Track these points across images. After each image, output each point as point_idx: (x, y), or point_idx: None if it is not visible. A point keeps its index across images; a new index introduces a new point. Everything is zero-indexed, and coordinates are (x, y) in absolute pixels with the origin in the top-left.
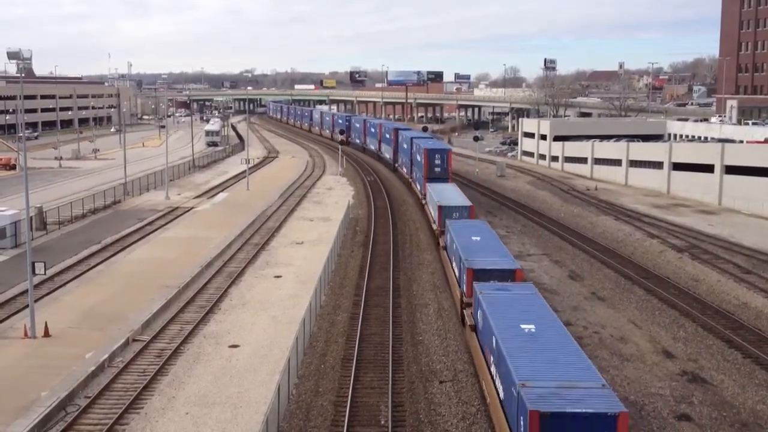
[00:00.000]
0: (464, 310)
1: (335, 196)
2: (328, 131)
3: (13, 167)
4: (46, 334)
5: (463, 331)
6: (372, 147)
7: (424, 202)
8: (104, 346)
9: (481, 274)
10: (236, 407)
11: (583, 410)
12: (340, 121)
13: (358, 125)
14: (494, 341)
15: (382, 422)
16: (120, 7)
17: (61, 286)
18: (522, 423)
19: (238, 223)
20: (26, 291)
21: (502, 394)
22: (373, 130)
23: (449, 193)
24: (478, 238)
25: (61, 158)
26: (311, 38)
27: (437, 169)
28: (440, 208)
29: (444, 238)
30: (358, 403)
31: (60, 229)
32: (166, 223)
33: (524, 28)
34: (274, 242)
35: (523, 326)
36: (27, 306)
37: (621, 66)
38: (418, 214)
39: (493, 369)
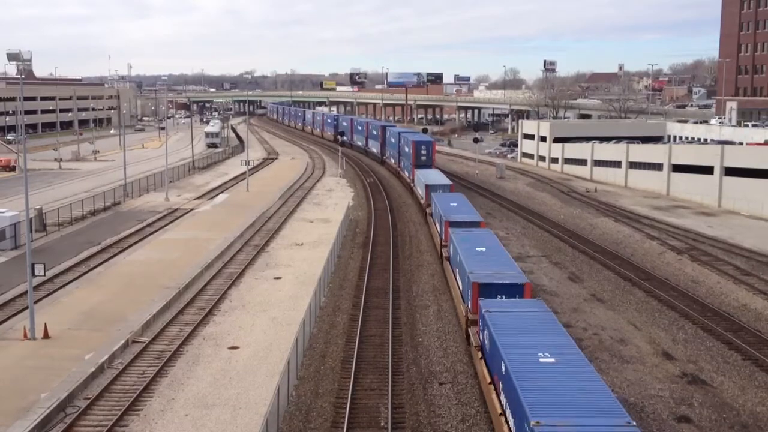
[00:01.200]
0: (442, 249)
1: (335, 198)
2: (318, 130)
3: (13, 168)
4: (46, 335)
5: (441, 264)
6: (359, 143)
7: (412, 185)
8: (104, 347)
9: (455, 225)
10: (236, 409)
11: (502, 281)
12: (329, 120)
13: (345, 124)
14: (458, 259)
15: (382, 424)
16: (120, 9)
17: (60, 288)
18: (469, 292)
19: (238, 225)
20: (26, 292)
21: (461, 287)
22: (360, 128)
23: (433, 176)
24: (455, 204)
25: (60, 160)
26: (311, 39)
27: (423, 158)
28: (427, 186)
29: (430, 208)
30: (358, 404)
31: (60, 230)
32: (166, 225)
33: (524, 30)
34: (273, 244)
35: (477, 249)
36: (27, 307)
37: (621, 68)
38: (418, 216)
39: (458, 278)
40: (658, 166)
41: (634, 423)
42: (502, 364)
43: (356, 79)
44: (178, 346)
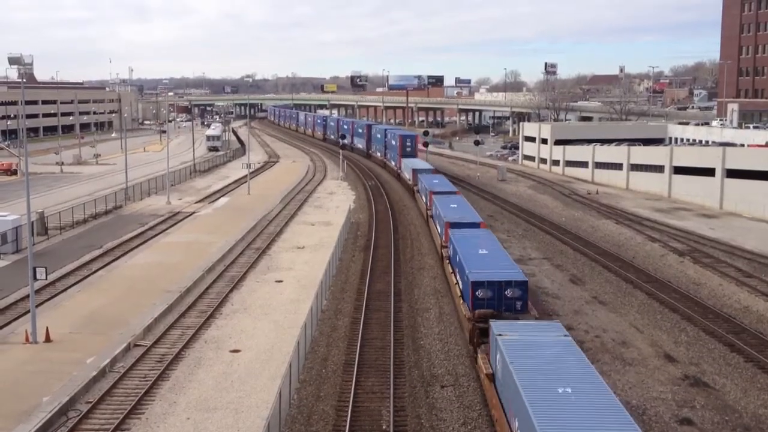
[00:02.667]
0: (428, 212)
1: (336, 201)
2: (310, 130)
3: (15, 172)
4: (48, 339)
5: (427, 223)
6: (345, 141)
7: (399, 171)
8: (105, 351)
9: (437, 193)
10: (237, 412)
11: (465, 221)
12: (319, 121)
13: (332, 124)
14: (438, 212)
15: (384, 427)
16: (119, 12)
17: (62, 291)
18: (443, 230)
19: (240, 228)
20: (27, 296)
21: (439, 230)
22: (345, 127)
23: (418, 163)
24: (437, 181)
25: (62, 163)
26: (311, 42)
27: (408, 149)
28: (414, 170)
29: (417, 186)
30: (360, 407)
31: (61, 234)
32: (168, 228)
33: (522, 32)
34: (275, 247)
35: (451, 205)
36: (28, 311)
37: (622, 70)
38: (419, 219)
39: (437, 225)
40: (659, 168)
41: (520, 269)
42: (457, 256)
43: (357, 82)
44: (179, 350)
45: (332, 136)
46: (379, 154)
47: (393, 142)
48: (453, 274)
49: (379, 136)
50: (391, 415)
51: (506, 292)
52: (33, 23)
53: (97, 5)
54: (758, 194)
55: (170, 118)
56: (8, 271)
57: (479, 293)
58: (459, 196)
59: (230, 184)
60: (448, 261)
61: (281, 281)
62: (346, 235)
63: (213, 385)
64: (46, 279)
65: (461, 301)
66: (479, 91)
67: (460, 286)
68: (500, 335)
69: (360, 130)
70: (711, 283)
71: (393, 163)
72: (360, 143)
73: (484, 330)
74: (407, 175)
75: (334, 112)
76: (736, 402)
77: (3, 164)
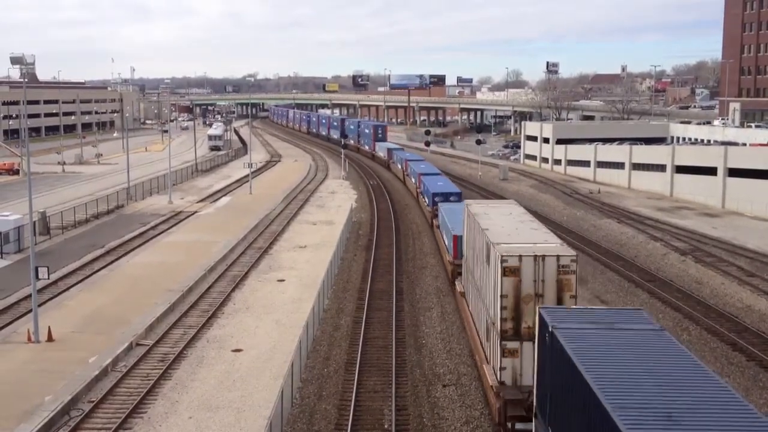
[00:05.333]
0: (404, 172)
1: (338, 200)
2: (297, 125)
3: (17, 172)
4: (50, 338)
5: (404, 181)
6: (323, 132)
7: (373, 152)
8: (108, 350)
9: (410, 161)
10: (240, 411)
11: (431, 172)
12: (304, 117)
13: (314, 119)
14: (413, 170)
15: (386, 426)
16: (119, 12)
17: (64, 291)
18: (417, 179)
19: (242, 227)
20: (30, 296)
21: (414, 181)
22: (323, 121)
23: (390, 145)
24: (408, 155)
25: (64, 163)
26: (313, 42)
27: (380, 136)
28: (388, 149)
29: (392, 160)
30: (362, 407)
31: (63, 233)
32: (169, 228)
33: (524, 31)
34: (277, 246)
35: (421, 166)
36: (30, 311)
37: (623, 69)
38: (420, 218)
39: (413, 180)
40: (661, 168)
41: (458, 187)
42: (425, 187)
43: (359, 82)
44: (181, 349)
45: (314, 130)
46: (352, 141)
47: (366, 131)
48: (423, 199)
49: (352, 127)
50: (393, 414)
51: (450, 198)
52: (33, 23)
53: (97, 5)
54: (760, 193)
55: (172, 118)
56: (10, 271)
57: (436, 198)
58: (426, 161)
59: (232, 184)
60: (420, 193)
61: (283, 280)
62: (347, 235)
63: (215, 385)
64: (48, 278)
65: (426, 206)
66: (481, 90)
67: (427, 201)
68: (442, 206)
69: (335, 123)
70: (713, 282)
71: (367, 147)
72: (335, 134)
73: (437, 214)
74: (382, 154)
75: (336, 111)
76: None
77: (5, 164)
